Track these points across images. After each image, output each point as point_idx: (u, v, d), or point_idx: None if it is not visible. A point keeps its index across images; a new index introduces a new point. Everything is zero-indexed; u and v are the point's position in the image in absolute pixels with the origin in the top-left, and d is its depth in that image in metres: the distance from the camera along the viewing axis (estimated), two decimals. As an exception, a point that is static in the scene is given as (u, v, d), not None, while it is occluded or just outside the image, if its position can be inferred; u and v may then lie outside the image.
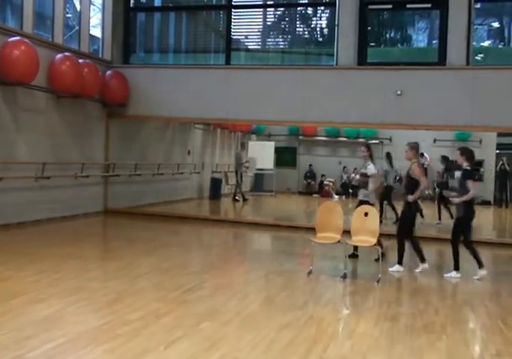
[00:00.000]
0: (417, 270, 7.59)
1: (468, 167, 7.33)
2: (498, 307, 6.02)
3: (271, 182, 20.34)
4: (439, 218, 13.05)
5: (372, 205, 7.79)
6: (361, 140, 20.63)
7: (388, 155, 13.03)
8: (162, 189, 14.99)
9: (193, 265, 7.80)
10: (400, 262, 7.58)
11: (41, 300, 5.39)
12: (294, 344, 4.47)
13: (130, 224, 11.56)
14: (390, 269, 7.54)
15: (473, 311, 5.87)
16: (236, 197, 17.41)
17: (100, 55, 12.72)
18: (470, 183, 7.19)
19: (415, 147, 7.89)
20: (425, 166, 19.99)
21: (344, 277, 6.97)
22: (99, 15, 12.81)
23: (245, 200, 17.38)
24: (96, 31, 12.91)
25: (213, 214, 15.05)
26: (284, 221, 12.92)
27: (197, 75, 12.26)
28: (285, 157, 21.75)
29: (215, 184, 17.70)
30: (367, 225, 7.17)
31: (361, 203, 8.00)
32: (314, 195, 20.44)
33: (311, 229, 7.94)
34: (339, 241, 7.18)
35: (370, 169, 8.22)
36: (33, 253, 7.69)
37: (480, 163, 20.49)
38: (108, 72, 12.33)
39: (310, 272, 7.15)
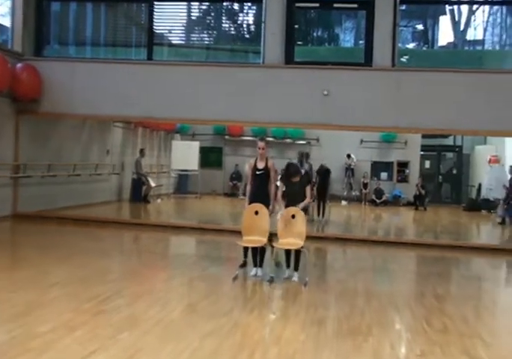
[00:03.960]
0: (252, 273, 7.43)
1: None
2: (422, 307, 6.26)
3: (196, 184, 20.23)
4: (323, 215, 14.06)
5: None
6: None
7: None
8: (79, 191, 14.54)
9: (111, 273, 7.59)
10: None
11: None
12: (218, 352, 4.45)
13: (42, 229, 11.12)
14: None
15: (398, 312, 6.06)
16: (148, 198, 17.43)
17: (10, 46, 12.17)
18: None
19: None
20: (352, 167, 20.83)
21: (271, 281, 7.01)
22: (9, 3, 12.25)
23: (148, 202, 17.26)
24: (5, 21, 12.33)
25: (134, 217, 14.77)
26: (209, 223, 12.88)
27: (116, 70, 11.99)
28: (210, 157, 21.71)
29: (137, 185, 17.39)
30: (294, 227, 7.25)
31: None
32: (240, 197, 20.50)
33: (237, 232, 7.93)
34: (265, 244, 7.22)
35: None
36: None
37: (405, 164, 21.38)
38: (19, 65, 11.81)
39: (235, 277, 7.14)
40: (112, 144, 17.01)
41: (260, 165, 7.58)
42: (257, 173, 7.57)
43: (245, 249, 7.56)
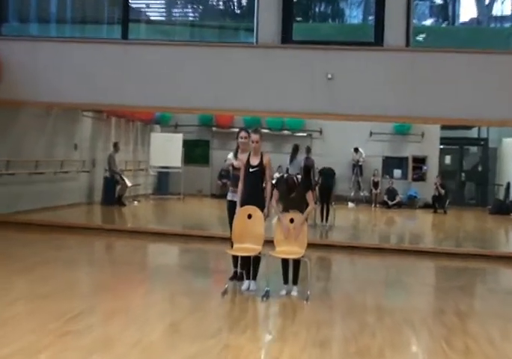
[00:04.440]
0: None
1: None
2: (441, 326, 6.28)
3: (178, 183, 20.19)
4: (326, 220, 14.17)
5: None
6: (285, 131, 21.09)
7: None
8: (42, 192, 14.52)
9: (81, 287, 7.62)
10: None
11: None
12: (205, 379, 4.46)
13: (0, 236, 11.09)
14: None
15: (414, 332, 6.07)
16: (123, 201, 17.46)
17: (-39, 23, 12.16)
18: None
19: None
20: (360, 163, 20.86)
21: (266, 296, 7.01)
22: (-41, -28, 12.23)
23: (122, 205, 17.28)
24: (-45, -7, 12.32)
25: (107, 222, 14.75)
26: (194, 229, 12.87)
27: (86, 50, 11.95)
28: (196, 152, 21.71)
29: (110, 185, 17.36)
30: (295, 233, 7.26)
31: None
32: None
33: (227, 240, 7.94)
34: (260, 253, 7.23)
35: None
36: None
37: (422, 160, 21.39)
38: (-29, 45, 11.80)
39: (225, 292, 7.14)
40: (81, 137, 16.97)
41: (254, 161, 7.49)
42: (251, 170, 7.47)
43: (236, 259, 7.56)
